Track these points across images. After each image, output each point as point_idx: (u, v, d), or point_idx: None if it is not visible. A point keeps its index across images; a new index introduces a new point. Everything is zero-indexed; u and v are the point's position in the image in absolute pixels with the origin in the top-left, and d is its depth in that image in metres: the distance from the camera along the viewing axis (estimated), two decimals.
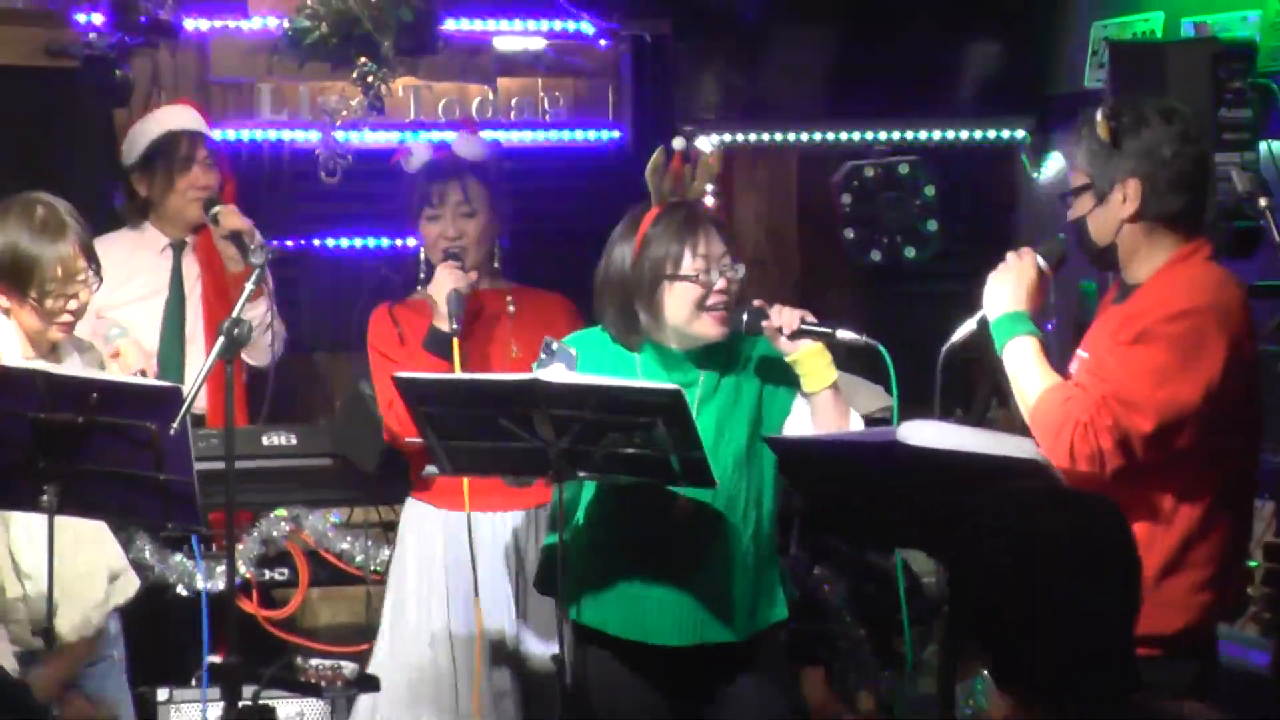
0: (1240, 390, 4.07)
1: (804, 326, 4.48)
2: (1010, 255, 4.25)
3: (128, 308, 5.83)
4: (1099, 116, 4.12)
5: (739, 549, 4.55)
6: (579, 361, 4.52)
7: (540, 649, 5.18)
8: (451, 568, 5.19)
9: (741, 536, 4.55)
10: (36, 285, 4.70)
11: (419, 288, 5.28)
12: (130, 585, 5.03)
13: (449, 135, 5.89)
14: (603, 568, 4.58)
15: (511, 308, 5.29)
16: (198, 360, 5.64)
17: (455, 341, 4.94)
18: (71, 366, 4.81)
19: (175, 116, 6.10)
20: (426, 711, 5.16)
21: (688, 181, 4.83)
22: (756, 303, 4.55)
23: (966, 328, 4.29)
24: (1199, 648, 4.16)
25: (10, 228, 4.72)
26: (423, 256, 5.31)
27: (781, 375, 4.62)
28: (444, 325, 4.97)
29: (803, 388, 4.51)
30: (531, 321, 5.20)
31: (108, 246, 5.99)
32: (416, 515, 5.29)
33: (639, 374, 4.58)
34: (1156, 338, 3.99)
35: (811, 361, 4.50)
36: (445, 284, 5.02)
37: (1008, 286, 4.21)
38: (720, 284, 4.55)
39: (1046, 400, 4.05)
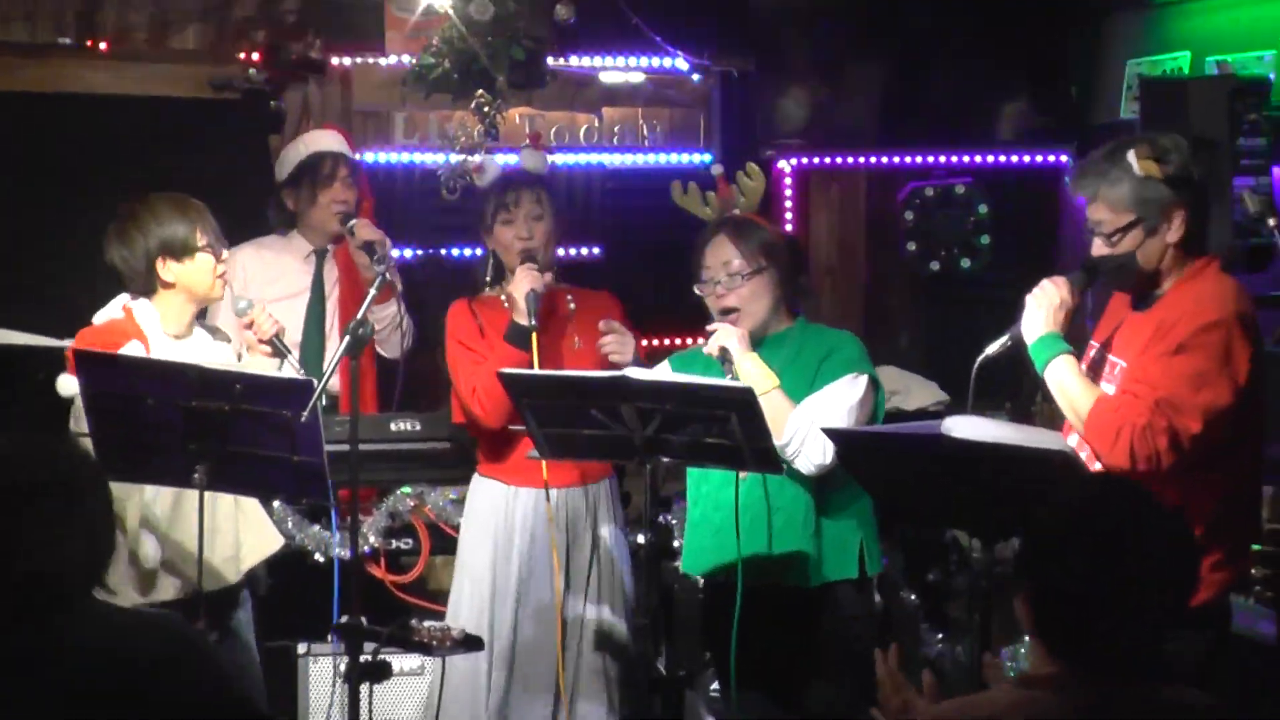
0: (1256, 388, 4.00)
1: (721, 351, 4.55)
2: (1044, 281, 4.15)
3: (275, 305, 5.79)
4: (1137, 158, 4.01)
5: (802, 508, 4.54)
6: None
7: (593, 613, 5.07)
8: (504, 536, 5.04)
9: (800, 498, 4.54)
10: (204, 232, 4.72)
11: (488, 286, 5.12)
12: (262, 548, 4.93)
13: (556, 158, 5.82)
14: (708, 531, 4.65)
15: (572, 305, 5.12)
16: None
17: (534, 336, 4.84)
18: (202, 343, 4.81)
19: (321, 139, 6.05)
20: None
21: (736, 201, 4.83)
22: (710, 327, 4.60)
23: (999, 343, 4.19)
24: (1214, 618, 4.06)
25: (161, 206, 4.75)
26: (491, 259, 5.13)
27: (833, 366, 4.56)
28: (524, 321, 4.84)
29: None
30: (589, 316, 5.02)
31: (259, 250, 6.03)
32: (481, 489, 5.13)
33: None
34: (1194, 348, 3.94)
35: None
36: (524, 284, 4.87)
37: (1040, 312, 4.12)
38: (720, 290, 4.61)
39: (1100, 410, 3.98)
